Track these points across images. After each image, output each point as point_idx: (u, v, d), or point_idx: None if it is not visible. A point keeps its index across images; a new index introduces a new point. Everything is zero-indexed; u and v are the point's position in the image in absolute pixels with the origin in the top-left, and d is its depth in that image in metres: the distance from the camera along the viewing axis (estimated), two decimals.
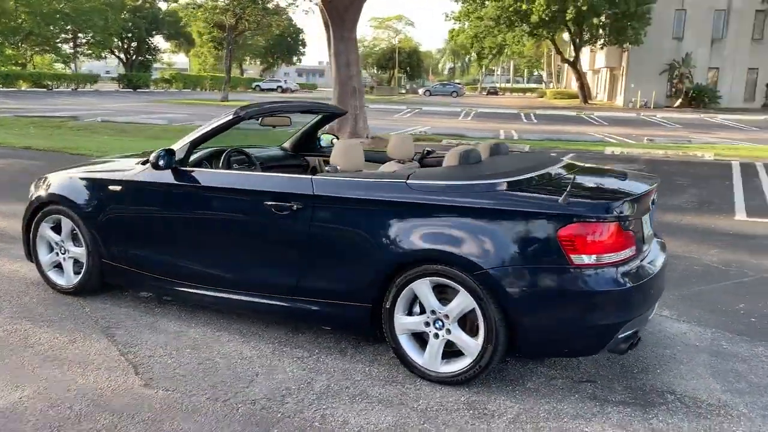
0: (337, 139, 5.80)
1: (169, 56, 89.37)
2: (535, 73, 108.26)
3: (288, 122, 5.01)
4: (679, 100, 41.06)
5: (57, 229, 4.71)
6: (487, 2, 42.08)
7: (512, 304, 3.21)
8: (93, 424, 3.00)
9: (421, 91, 67.61)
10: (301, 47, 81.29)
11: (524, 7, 39.39)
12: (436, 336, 3.45)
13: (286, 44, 78.05)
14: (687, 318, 4.51)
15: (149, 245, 4.31)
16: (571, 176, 3.67)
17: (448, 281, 3.36)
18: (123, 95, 44.00)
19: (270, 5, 39.60)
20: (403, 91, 68.33)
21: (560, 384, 3.51)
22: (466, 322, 3.42)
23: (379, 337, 3.72)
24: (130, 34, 60.79)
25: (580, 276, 3.16)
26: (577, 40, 43.18)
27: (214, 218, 4.07)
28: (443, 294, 3.44)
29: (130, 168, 4.46)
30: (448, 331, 3.41)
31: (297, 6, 50.84)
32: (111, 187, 4.39)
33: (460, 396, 3.34)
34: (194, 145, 4.25)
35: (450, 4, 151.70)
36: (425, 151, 5.07)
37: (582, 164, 4.15)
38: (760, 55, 41.40)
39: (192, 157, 4.32)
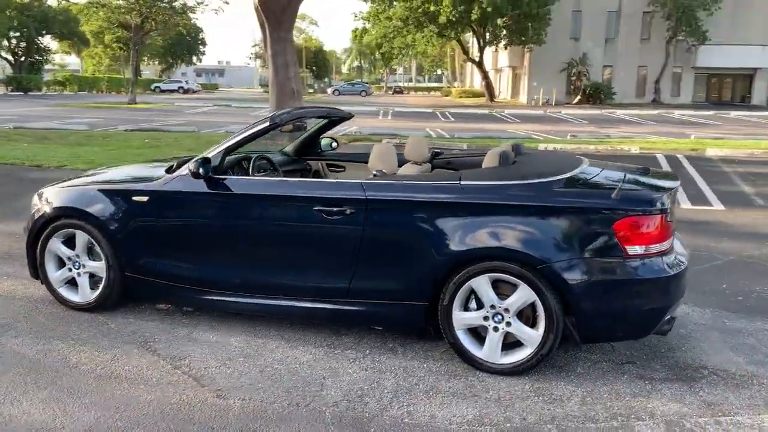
0: (337, 142, 5.88)
1: (62, 57, 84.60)
2: (437, 73, 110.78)
3: (305, 127, 5.05)
4: (578, 97, 43.40)
5: (68, 243, 4.51)
6: (395, 3, 42.69)
7: (574, 294, 3.45)
8: None
9: (329, 90, 67.55)
10: (201, 46, 79.16)
11: (432, 8, 40.31)
12: (496, 329, 3.64)
13: (186, 44, 75.75)
14: (684, 299, 4.93)
15: (184, 255, 4.23)
16: (609, 174, 3.95)
17: (508, 276, 3.55)
18: (15, 99, 41.15)
19: (177, 4, 38.36)
20: (311, 91, 68.01)
21: (606, 367, 3.79)
22: (522, 314, 3.63)
23: (432, 333, 3.87)
24: (18, 34, 56.87)
25: (634, 265, 3.45)
26: (482, 40, 44.63)
27: (259, 225, 4.07)
28: (495, 289, 3.63)
29: (153, 177, 4.36)
30: (508, 324, 3.61)
31: (207, 5, 49.10)
32: (136, 198, 4.27)
33: (523, 385, 3.55)
34: (228, 152, 4.22)
35: (358, 4, 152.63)
36: (433, 153, 5.24)
37: (606, 162, 4.44)
38: (648, 54, 44.39)
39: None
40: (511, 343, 3.67)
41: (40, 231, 4.52)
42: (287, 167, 5.34)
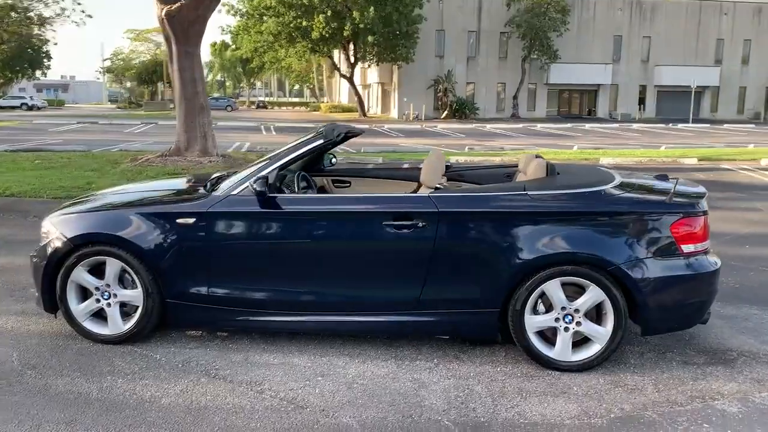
0: (335, 158, 5.88)
1: None
2: (296, 88, 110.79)
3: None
4: (446, 112, 45.38)
5: (93, 272, 4.19)
6: (265, 18, 42.30)
7: (640, 292, 3.78)
8: None
9: None
10: (45, 60, 73.33)
11: (305, 23, 40.45)
12: (566, 329, 3.89)
13: (28, 57, 69.84)
14: None
15: (241, 277, 4.09)
16: (647, 182, 4.35)
17: (578, 279, 3.83)
18: None
19: (33, 14, 35.40)
20: (172, 106, 65.17)
21: (653, 357, 4.17)
22: (586, 314, 3.91)
23: (499, 339, 4.05)
24: None
25: (688, 262, 3.86)
26: (354, 56, 45.43)
27: (325, 242, 4.03)
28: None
29: (194, 198, 4.19)
30: (578, 324, 3.88)
31: (68, 17, 45.13)
32: (181, 220, 4.07)
33: (597, 379, 3.82)
34: (281, 169, 4.15)
35: (223, 18, 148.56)
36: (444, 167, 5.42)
37: (631, 172, 4.84)
38: (506, 72, 47.44)
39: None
40: (577, 342, 3.94)
41: (60, 261, 4.15)
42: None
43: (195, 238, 4.07)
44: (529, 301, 3.87)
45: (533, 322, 3.91)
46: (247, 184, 4.07)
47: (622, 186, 4.09)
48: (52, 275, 4.19)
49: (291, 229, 4.06)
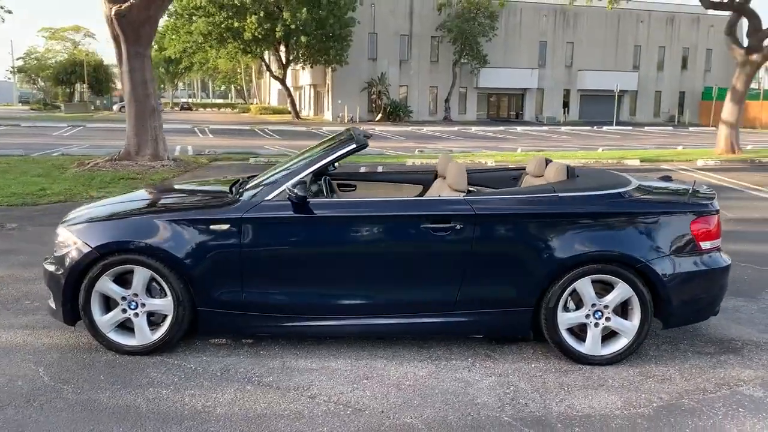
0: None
1: None
2: (221, 89, 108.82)
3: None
4: (380, 115, 45.69)
5: (117, 281, 4.05)
6: (195, 18, 41.33)
7: (665, 287, 4.01)
8: None
9: (115, 107, 62.81)
10: None
11: (236, 24, 39.79)
12: (596, 325, 4.07)
13: None
14: None
15: (278, 283, 4.05)
16: (660, 183, 4.60)
17: (607, 276, 4.02)
18: None
19: None
20: (93, 108, 62.64)
21: (669, 349, 4.41)
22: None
23: (532, 336, 4.20)
24: None
25: (705, 259, 4.12)
26: (286, 58, 45.04)
27: (364, 246, 4.06)
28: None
29: (226, 203, 4.13)
30: (607, 319, 4.06)
31: None
32: (215, 227, 3.99)
33: (628, 371, 4.02)
34: (316, 175, 4.14)
35: None
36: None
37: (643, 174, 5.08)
38: (437, 75, 48.24)
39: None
40: (604, 336, 4.12)
41: (84, 271, 3.99)
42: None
43: (230, 244, 4.00)
44: (561, 299, 4.03)
45: (565, 318, 4.07)
46: (282, 189, 4.04)
47: (640, 188, 4.32)
48: (74, 286, 4.02)
49: (330, 234, 4.06)
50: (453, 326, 4.15)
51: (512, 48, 48.75)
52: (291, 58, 44.80)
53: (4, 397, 3.50)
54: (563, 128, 38.36)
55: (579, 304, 4.09)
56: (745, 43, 18.44)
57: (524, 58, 49.25)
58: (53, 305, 4.16)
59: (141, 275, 4.01)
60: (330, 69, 45.29)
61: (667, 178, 4.91)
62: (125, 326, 4.12)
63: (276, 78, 47.94)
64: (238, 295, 4.04)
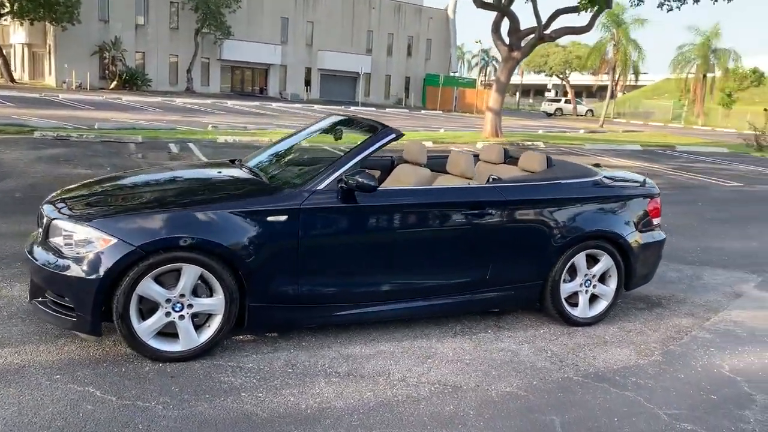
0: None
1: None
2: None
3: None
4: (114, 82, 41.95)
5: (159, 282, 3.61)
6: None
7: (634, 258, 4.90)
8: None
9: None
10: None
11: None
12: (586, 292, 4.81)
13: None
14: None
15: (337, 273, 4.02)
16: (617, 173, 5.47)
17: (596, 251, 4.77)
18: None
19: None
20: None
21: (619, 310, 5.33)
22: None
23: (539, 306, 4.77)
24: None
25: (656, 233, 5.11)
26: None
27: (415, 233, 4.21)
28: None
29: (278, 193, 3.93)
30: (594, 287, 4.84)
31: None
32: (272, 218, 3.77)
33: (611, 329, 4.84)
34: (360, 165, 4.12)
35: None
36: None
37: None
38: (178, 44, 45.78)
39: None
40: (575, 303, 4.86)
41: (122, 272, 3.47)
42: None
43: (287, 236, 3.83)
44: (563, 272, 4.66)
45: (565, 288, 4.73)
46: (334, 178, 3.96)
47: (612, 177, 5.19)
48: (108, 291, 3.47)
49: (385, 222, 4.13)
50: (481, 302, 4.55)
51: (255, 22, 48.37)
52: (2, 10, 38.50)
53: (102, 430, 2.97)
54: (316, 107, 39.45)
55: (573, 276, 4.77)
56: (507, 41, 21.18)
57: (267, 32, 49.20)
58: (73, 317, 3.53)
59: (190, 274, 3.62)
60: (58, 27, 39.91)
61: (597, 166, 5.83)
62: (161, 332, 3.68)
63: None
64: (292, 288, 3.90)
